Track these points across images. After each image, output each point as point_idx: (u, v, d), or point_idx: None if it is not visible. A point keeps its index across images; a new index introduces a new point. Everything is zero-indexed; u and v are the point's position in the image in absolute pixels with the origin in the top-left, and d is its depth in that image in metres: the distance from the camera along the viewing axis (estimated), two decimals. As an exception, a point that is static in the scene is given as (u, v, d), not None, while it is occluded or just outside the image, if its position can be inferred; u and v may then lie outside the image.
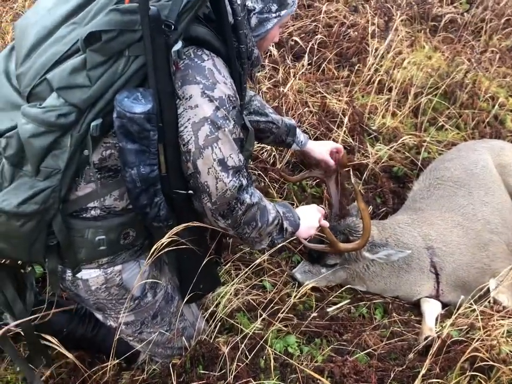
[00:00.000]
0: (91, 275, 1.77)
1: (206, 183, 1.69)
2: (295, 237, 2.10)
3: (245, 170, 1.77)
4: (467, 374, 1.90)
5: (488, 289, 2.50)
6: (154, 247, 1.74)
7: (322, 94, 3.49)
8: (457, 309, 2.27)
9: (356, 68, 3.90)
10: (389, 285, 2.58)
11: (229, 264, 2.45)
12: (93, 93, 1.52)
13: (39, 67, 1.56)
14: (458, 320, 2.19)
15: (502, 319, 2.13)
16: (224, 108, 1.66)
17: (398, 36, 4.17)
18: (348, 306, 2.46)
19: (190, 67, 1.63)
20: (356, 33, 4.30)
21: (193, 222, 1.75)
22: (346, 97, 3.50)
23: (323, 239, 2.38)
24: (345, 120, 3.26)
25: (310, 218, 2.15)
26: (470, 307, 2.24)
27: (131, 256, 1.82)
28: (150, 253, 1.74)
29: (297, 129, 2.50)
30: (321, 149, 2.53)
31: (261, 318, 2.16)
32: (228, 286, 2.31)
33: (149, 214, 1.70)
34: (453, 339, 2.02)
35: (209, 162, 1.66)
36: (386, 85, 3.72)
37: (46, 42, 1.58)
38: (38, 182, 1.56)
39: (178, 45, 1.55)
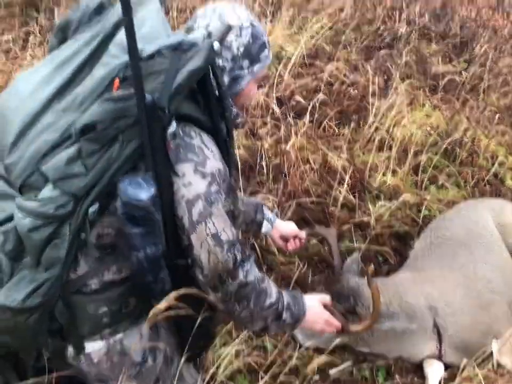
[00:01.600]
0: (94, 348, 1.74)
1: (199, 257, 1.67)
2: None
3: (239, 245, 1.73)
4: None
5: (491, 352, 2.48)
6: (151, 312, 1.73)
7: (323, 151, 3.54)
8: (461, 372, 2.25)
9: (356, 125, 3.97)
10: (393, 346, 2.54)
11: (229, 324, 2.43)
12: (89, 180, 1.53)
13: (30, 157, 1.57)
14: (462, 384, 2.16)
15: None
16: (216, 182, 1.68)
17: (397, 94, 4.25)
18: (350, 368, 2.43)
19: (181, 146, 1.64)
20: (356, 91, 4.41)
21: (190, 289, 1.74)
22: (347, 154, 3.56)
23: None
24: (346, 177, 3.30)
25: (316, 315, 2.04)
26: (473, 370, 2.21)
27: (132, 323, 1.80)
28: (148, 320, 1.73)
29: (263, 206, 2.44)
30: (290, 225, 2.47)
31: (262, 381, 2.13)
32: (228, 346, 2.29)
33: (154, 290, 1.70)
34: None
35: (203, 237, 1.65)
36: (387, 143, 3.78)
37: (32, 129, 1.59)
38: (39, 274, 1.56)
39: (173, 127, 1.57)
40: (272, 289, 1.85)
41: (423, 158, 3.66)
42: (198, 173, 1.65)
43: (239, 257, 1.71)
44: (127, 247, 1.62)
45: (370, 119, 3.94)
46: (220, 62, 1.78)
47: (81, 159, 1.52)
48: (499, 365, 2.46)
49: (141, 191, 1.55)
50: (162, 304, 1.71)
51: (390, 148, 3.75)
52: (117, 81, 1.57)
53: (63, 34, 1.81)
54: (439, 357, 2.57)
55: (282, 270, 2.82)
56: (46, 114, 1.60)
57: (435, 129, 4.01)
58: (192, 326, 1.85)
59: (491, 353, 2.49)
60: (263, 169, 3.30)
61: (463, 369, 2.26)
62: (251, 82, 1.89)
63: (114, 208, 1.60)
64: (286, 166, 3.25)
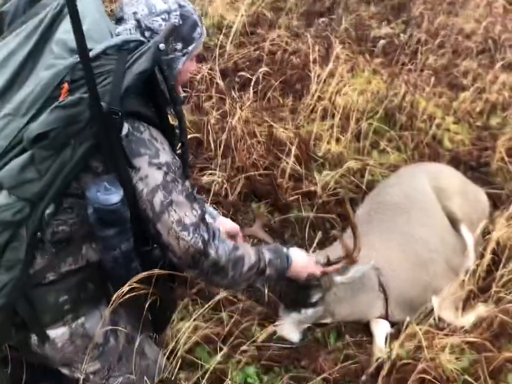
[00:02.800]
0: (57, 334, 1.82)
1: (168, 243, 1.77)
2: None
3: (203, 224, 1.82)
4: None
5: (433, 308, 2.68)
6: (115, 295, 1.81)
7: (269, 123, 3.62)
8: (405, 329, 2.42)
9: (300, 94, 4.06)
10: (350, 309, 2.67)
11: (186, 299, 2.53)
12: (43, 185, 1.59)
13: None
14: (406, 340, 2.33)
15: (446, 336, 2.28)
16: (171, 171, 1.75)
17: (338, 61, 4.33)
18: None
19: (133, 141, 1.70)
20: (298, 60, 4.47)
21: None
22: (292, 125, 3.65)
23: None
24: (293, 148, 3.40)
25: (301, 259, 2.20)
26: (416, 326, 2.39)
27: (92, 306, 1.88)
28: (111, 302, 1.82)
29: (206, 202, 2.52)
30: (231, 222, 2.56)
31: (221, 351, 2.25)
32: (186, 322, 2.39)
33: (127, 279, 1.80)
34: (402, 361, 2.17)
35: (168, 225, 1.74)
36: (330, 111, 3.88)
37: None
38: (1, 276, 1.63)
39: (126, 129, 1.64)
40: (250, 252, 1.96)
41: (364, 124, 3.78)
42: (152, 165, 1.71)
43: (206, 236, 1.80)
44: (102, 248, 1.72)
45: (313, 87, 4.02)
46: None
47: (34, 165, 1.57)
48: (440, 320, 2.65)
49: (111, 195, 1.63)
50: (124, 287, 1.80)
51: (333, 116, 3.86)
52: (65, 86, 1.60)
53: None
54: (386, 317, 2.75)
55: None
56: None
57: (375, 95, 4.12)
58: (151, 304, 1.95)
59: (432, 310, 2.69)
60: (210, 145, 3.36)
61: (406, 326, 2.42)
62: (187, 61, 1.93)
63: (67, 205, 1.66)
64: (233, 141, 3.31)
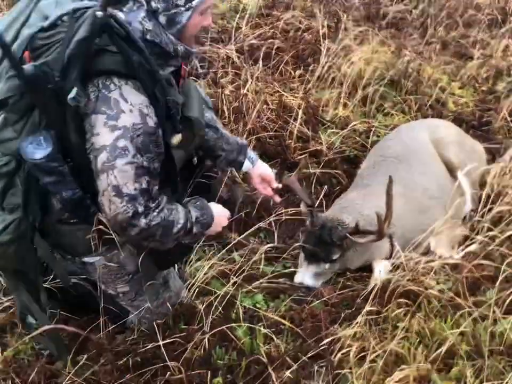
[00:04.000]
0: (94, 259, 2.16)
1: (101, 202, 1.92)
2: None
3: (143, 197, 1.90)
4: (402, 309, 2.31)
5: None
6: None
7: (280, 92, 3.90)
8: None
9: (311, 67, 4.31)
10: (365, 257, 2.90)
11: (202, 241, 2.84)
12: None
13: None
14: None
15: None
16: (128, 137, 1.82)
17: (348, 35, 4.57)
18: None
19: (98, 98, 1.81)
20: (310, 36, 4.72)
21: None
22: (302, 93, 3.92)
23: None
24: (300, 113, 3.66)
25: (221, 216, 2.32)
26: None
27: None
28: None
29: (248, 147, 2.67)
30: (268, 168, 2.75)
31: (232, 281, 2.54)
32: (204, 260, 2.70)
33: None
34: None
35: (105, 185, 1.87)
36: (338, 79, 4.12)
37: None
38: (6, 216, 1.93)
39: (73, 93, 1.73)
40: (180, 215, 2.06)
41: (370, 90, 4.01)
42: (107, 125, 1.81)
43: (140, 209, 1.90)
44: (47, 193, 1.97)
45: (323, 59, 4.27)
46: (152, 4, 1.89)
47: (10, 126, 1.85)
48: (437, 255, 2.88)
49: (37, 150, 1.80)
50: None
51: (341, 85, 4.10)
52: (27, 53, 1.79)
53: None
54: (390, 256, 2.98)
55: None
56: None
57: (382, 63, 4.33)
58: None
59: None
60: (225, 113, 3.64)
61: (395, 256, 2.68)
62: (194, 16, 1.95)
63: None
64: (245, 107, 3.59)
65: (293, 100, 3.86)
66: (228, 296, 2.42)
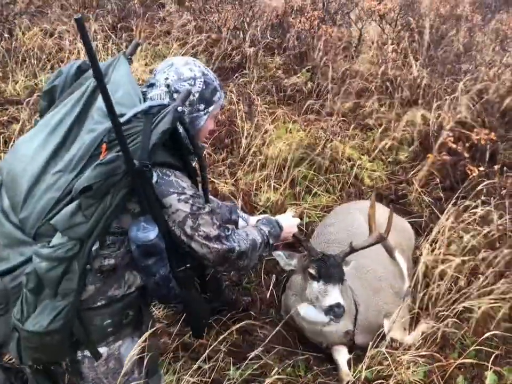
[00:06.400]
0: (103, 350, 2.11)
1: (203, 254, 2.15)
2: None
3: (221, 229, 2.18)
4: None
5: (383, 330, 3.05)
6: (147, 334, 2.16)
7: (211, 179, 3.92)
8: (367, 352, 2.77)
9: (231, 149, 4.39)
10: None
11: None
12: (90, 226, 1.90)
13: (39, 212, 1.95)
14: (369, 363, 2.68)
15: (403, 354, 2.65)
16: (195, 201, 2.10)
17: (260, 115, 4.73)
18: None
19: (162, 184, 2.04)
20: (223, 116, 4.82)
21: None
22: (231, 179, 3.98)
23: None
24: (236, 201, 3.71)
25: (288, 222, 2.59)
26: (376, 349, 2.74)
27: (130, 332, 2.18)
28: (149, 329, 2.17)
29: (236, 207, 2.92)
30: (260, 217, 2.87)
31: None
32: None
33: (168, 298, 2.18)
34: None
35: (200, 242, 2.12)
36: (261, 162, 4.24)
37: (38, 188, 1.96)
38: (58, 302, 1.93)
39: (155, 177, 1.99)
40: (255, 233, 2.34)
41: (295, 172, 4.17)
42: (181, 201, 2.07)
43: (226, 233, 2.19)
44: (144, 276, 2.09)
45: (243, 141, 4.38)
46: (179, 108, 2.09)
47: (82, 211, 1.90)
48: (392, 340, 3.02)
49: (148, 233, 1.98)
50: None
51: (263, 166, 4.23)
52: (104, 146, 1.94)
53: (51, 97, 2.22)
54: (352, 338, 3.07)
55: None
56: (46, 176, 1.97)
57: (298, 143, 4.52)
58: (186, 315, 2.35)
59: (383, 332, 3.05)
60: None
61: (368, 350, 2.77)
62: (208, 120, 2.30)
63: (110, 241, 1.99)
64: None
65: (224, 186, 3.90)
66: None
